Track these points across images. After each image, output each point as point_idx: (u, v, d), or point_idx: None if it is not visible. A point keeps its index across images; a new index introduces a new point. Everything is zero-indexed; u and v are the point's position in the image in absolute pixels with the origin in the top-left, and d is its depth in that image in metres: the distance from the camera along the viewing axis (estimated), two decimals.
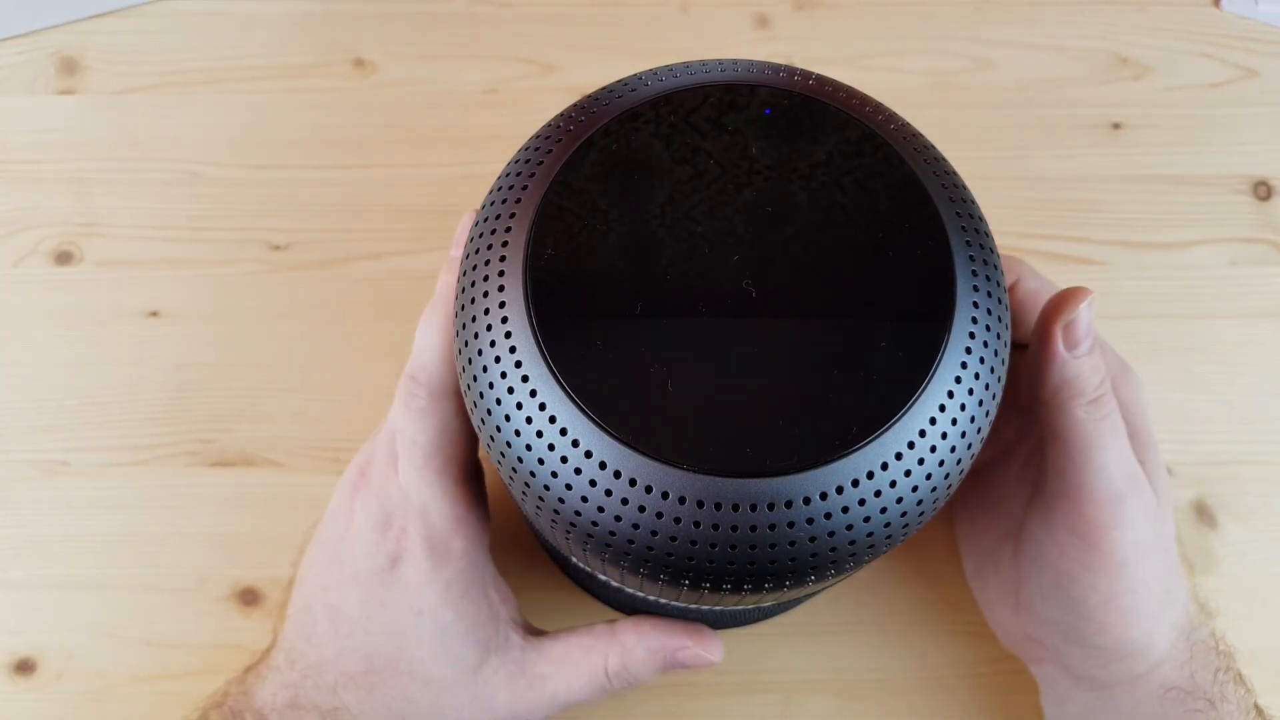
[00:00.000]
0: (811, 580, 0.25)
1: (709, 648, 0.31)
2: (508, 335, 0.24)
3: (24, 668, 0.38)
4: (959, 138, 0.46)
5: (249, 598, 0.39)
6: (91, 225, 0.44)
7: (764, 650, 0.38)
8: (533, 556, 0.39)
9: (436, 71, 0.47)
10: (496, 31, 0.48)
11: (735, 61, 0.28)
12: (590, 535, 0.24)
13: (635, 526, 0.24)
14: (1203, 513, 0.40)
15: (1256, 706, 0.33)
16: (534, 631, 0.33)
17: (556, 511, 0.24)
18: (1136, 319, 0.43)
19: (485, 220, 0.26)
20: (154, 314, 0.43)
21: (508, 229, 0.25)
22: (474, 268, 0.26)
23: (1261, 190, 0.45)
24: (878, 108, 0.28)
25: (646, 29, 0.48)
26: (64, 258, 0.43)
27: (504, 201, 0.26)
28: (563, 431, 0.23)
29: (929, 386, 0.24)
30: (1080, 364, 0.30)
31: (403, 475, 0.31)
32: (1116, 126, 0.46)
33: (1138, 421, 0.32)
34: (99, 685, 0.38)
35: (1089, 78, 0.47)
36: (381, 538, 0.31)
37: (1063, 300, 0.30)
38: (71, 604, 0.39)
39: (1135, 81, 0.47)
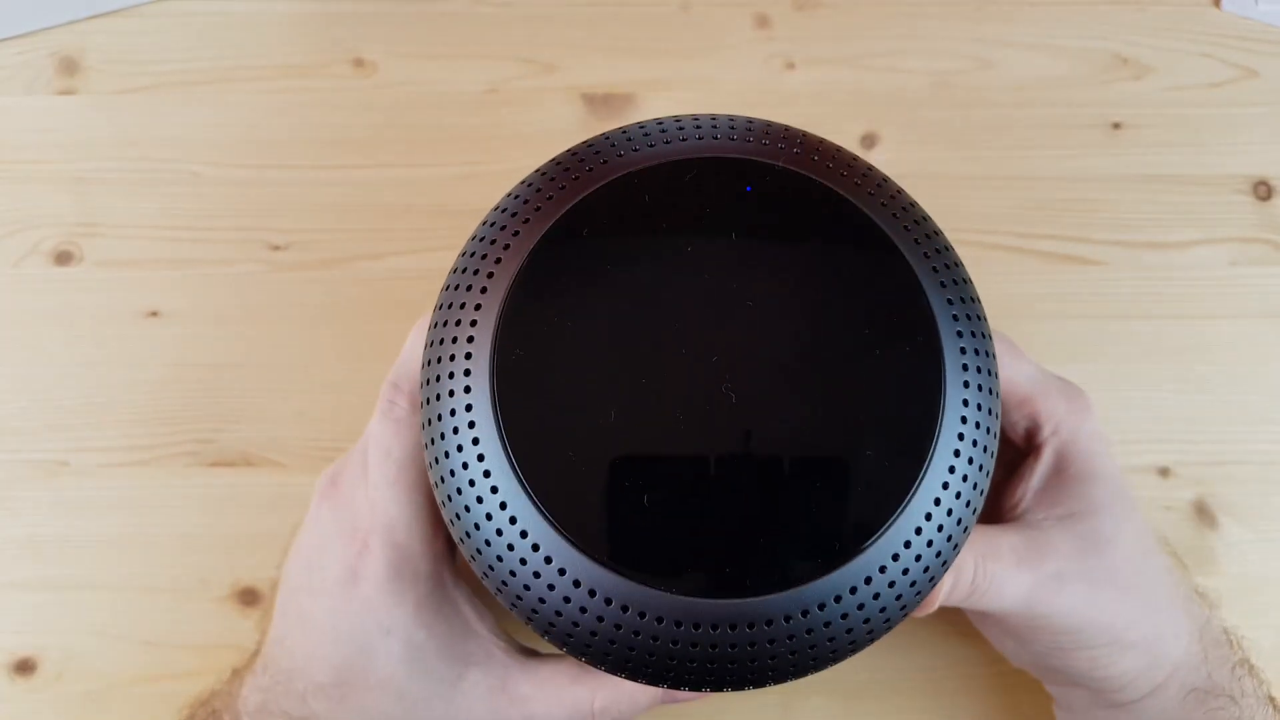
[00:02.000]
0: (791, 679, 0.24)
1: None
2: (475, 442, 0.23)
3: (24, 668, 0.38)
4: (959, 138, 0.46)
5: (249, 598, 0.39)
6: (91, 225, 0.44)
7: None
8: None
9: (436, 71, 0.47)
10: (497, 31, 0.48)
11: (714, 119, 0.26)
12: (568, 643, 0.24)
13: (612, 642, 0.23)
14: (1203, 513, 0.40)
15: (1270, 698, 0.33)
16: (522, 650, 0.32)
17: (530, 618, 0.24)
18: (1136, 319, 0.43)
19: (450, 306, 0.25)
20: (154, 314, 0.43)
21: (473, 321, 0.24)
22: (438, 359, 0.24)
23: (1261, 190, 0.45)
24: (866, 176, 0.26)
25: (646, 29, 0.48)
26: (64, 258, 0.43)
27: (469, 288, 0.25)
28: (535, 547, 0.23)
29: (916, 495, 0.23)
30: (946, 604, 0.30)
31: (372, 487, 0.30)
32: (1116, 126, 0.46)
33: (1092, 449, 0.32)
34: (99, 685, 0.38)
35: (1089, 78, 0.47)
36: (344, 549, 0.30)
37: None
38: (71, 604, 0.39)
39: (1135, 81, 0.47)
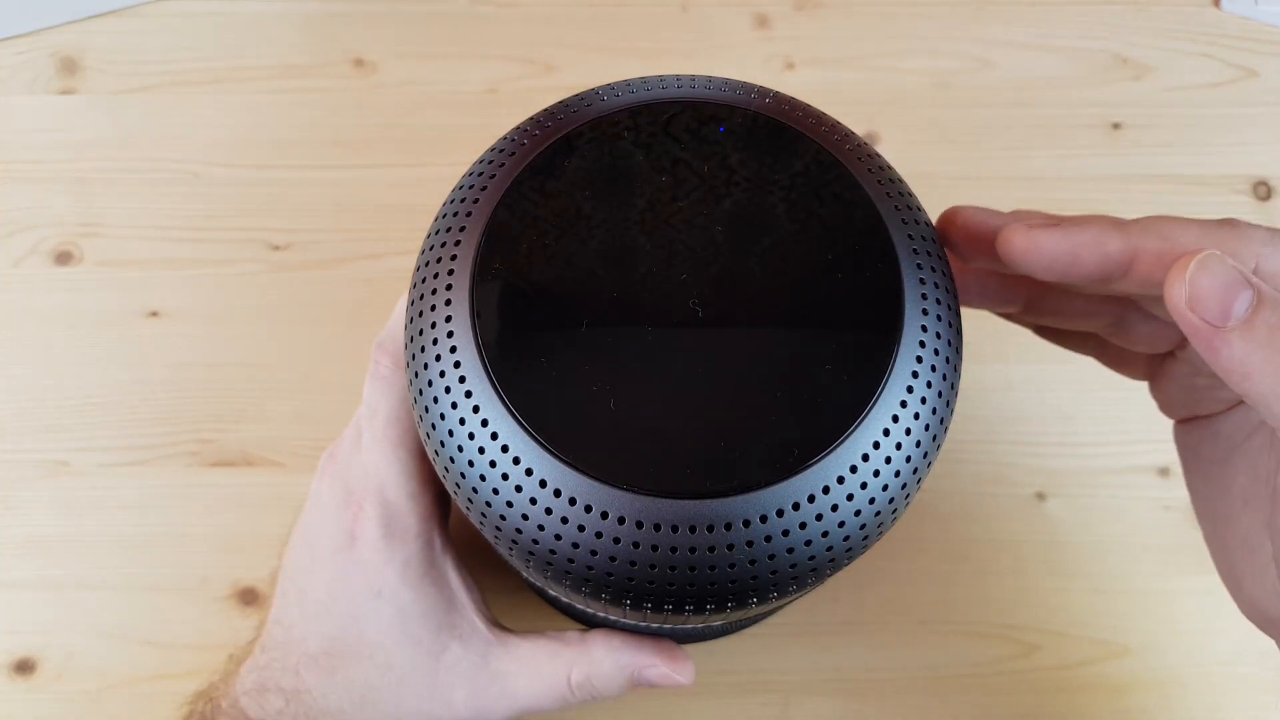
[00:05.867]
0: (754, 602, 0.25)
1: (678, 668, 0.31)
2: (453, 350, 0.24)
3: (24, 668, 0.38)
4: (959, 138, 0.46)
5: (249, 598, 0.39)
6: (91, 225, 0.44)
7: (764, 650, 0.38)
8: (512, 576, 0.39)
9: (436, 71, 0.47)
10: (496, 31, 0.48)
11: (694, 78, 0.28)
12: (532, 553, 0.24)
13: (575, 546, 0.23)
14: None
15: None
16: (501, 628, 0.32)
17: (499, 529, 0.24)
18: None
19: (436, 234, 0.26)
20: (154, 314, 0.43)
21: (457, 242, 0.25)
22: (424, 280, 0.26)
23: (1261, 190, 0.45)
24: (834, 127, 0.27)
25: (646, 29, 0.48)
26: (64, 258, 0.43)
27: (455, 215, 0.26)
28: (504, 449, 0.23)
29: (872, 411, 0.23)
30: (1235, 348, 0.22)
31: (364, 448, 0.31)
32: (1116, 126, 0.46)
33: None
34: (99, 685, 0.38)
35: (1089, 78, 0.47)
36: (341, 515, 0.31)
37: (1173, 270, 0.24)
38: (71, 604, 0.39)
39: (1135, 81, 0.47)
